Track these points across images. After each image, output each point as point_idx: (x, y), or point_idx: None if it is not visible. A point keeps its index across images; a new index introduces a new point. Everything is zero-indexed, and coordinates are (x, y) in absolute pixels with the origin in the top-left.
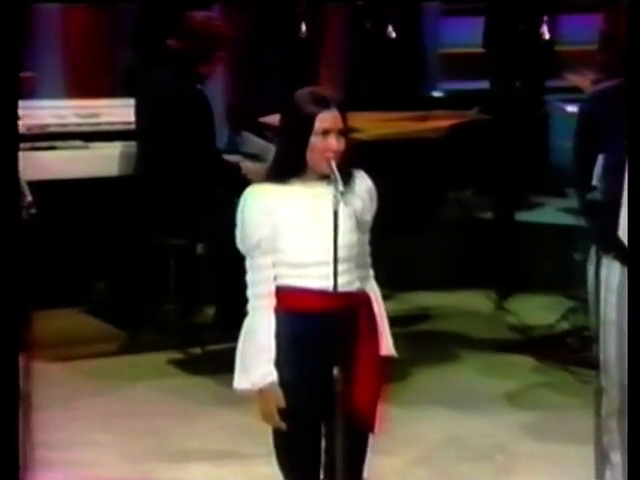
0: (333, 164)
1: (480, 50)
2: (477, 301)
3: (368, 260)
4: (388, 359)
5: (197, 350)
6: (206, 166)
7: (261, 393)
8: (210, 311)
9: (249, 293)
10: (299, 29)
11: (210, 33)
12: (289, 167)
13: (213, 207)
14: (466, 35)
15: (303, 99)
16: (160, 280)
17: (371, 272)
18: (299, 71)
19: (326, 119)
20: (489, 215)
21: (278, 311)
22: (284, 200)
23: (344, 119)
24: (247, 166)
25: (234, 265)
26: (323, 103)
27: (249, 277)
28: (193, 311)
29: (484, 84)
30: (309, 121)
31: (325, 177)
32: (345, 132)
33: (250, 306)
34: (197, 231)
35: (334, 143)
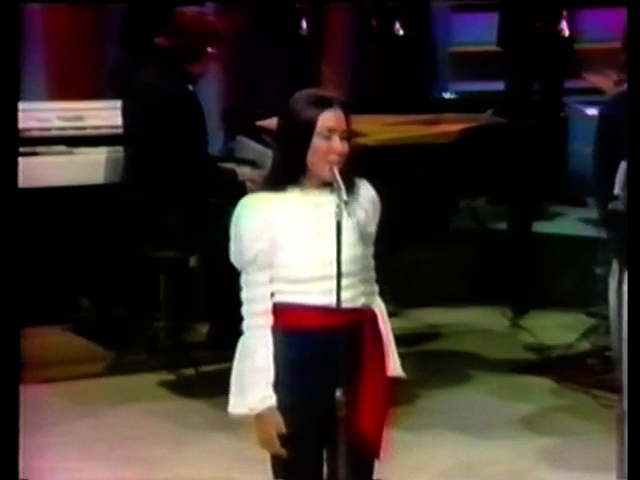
0: (336, 171)
1: (494, 48)
2: (491, 318)
3: (373, 275)
4: (394, 380)
5: (189, 371)
6: (199, 173)
7: (259, 418)
8: (203, 329)
9: (244, 311)
10: (299, 26)
11: (201, 29)
12: (288, 173)
13: (207, 217)
14: (479, 32)
15: (303, 99)
16: (149, 295)
17: (376, 287)
18: (299, 71)
19: (329, 118)
20: (504, 226)
21: (276, 330)
22: (283, 210)
23: (348, 121)
24: (243, 173)
25: (229, 279)
26: (326, 103)
27: (244, 294)
28: (185, 329)
29: (499, 85)
30: (311, 121)
31: (327, 184)
32: (349, 136)
33: (245, 325)
34: (189, 243)
35: (338, 145)
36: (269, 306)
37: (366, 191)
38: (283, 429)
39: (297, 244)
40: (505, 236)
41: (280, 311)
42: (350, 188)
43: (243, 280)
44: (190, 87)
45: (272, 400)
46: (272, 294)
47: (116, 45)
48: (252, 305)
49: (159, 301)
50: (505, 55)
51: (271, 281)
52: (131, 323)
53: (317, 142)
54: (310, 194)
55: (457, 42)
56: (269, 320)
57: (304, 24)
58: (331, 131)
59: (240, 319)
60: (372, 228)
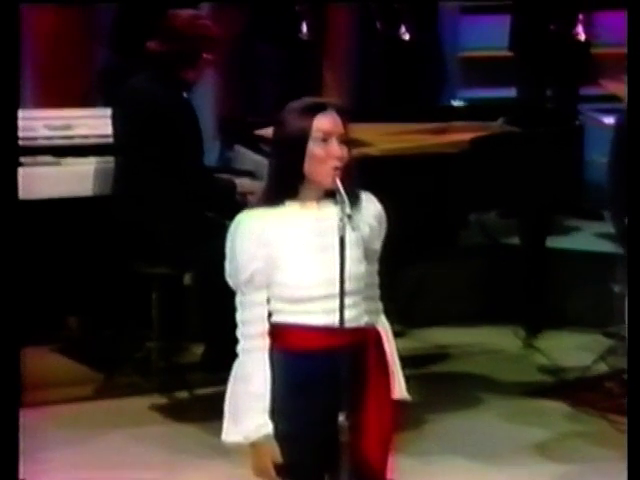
0: (339, 182)
1: (506, 53)
2: (502, 338)
3: (377, 292)
4: (400, 403)
5: (183, 394)
6: (194, 185)
7: (254, 447)
8: (198, 350)
9: (239, 333)
10: (299, 29)
11: (196, 33)
12: (286, 185)
13: (202, 232)
14: (490, 36)
15: (296, 106)
16: (141, 314)
17: (380, 305)
18: (299, 77)
19: (324, 121)
20: (516, 241)
21: (274, 351)
22: (281, 226)
23: (345, 125)
24: (243, 185)
25: (226, 298)
26: (319, 107)
27: (239, 315)
28: (179, 350)
29: (510, 92)
30: (304, 126)
31: (328, 196)
32: (348, 141)
33: (240, 348)
34: (184, 259)
35: (336, 149)
36: (266, 328)
37: (371, 205)
38: (279, 459)
39: (297, 262)
40: (517, 251)
41: (279, 331)
42: (354, 201)
43: (238, 301)
44: (185, 94)
45: (268, 428)
46: (270, 314)
47: (106, 49)
48: (248, 327)
49: (151, 320)
50: (517, 60)
51: (268, 301)
52: (121, 343)
53: (313, 148)
54: (310, 207)
55: (466, 46)
56: (266, 343)
57: (304, 27)
58: (327, 135)
59: (236, 338)
60: (377, 244)
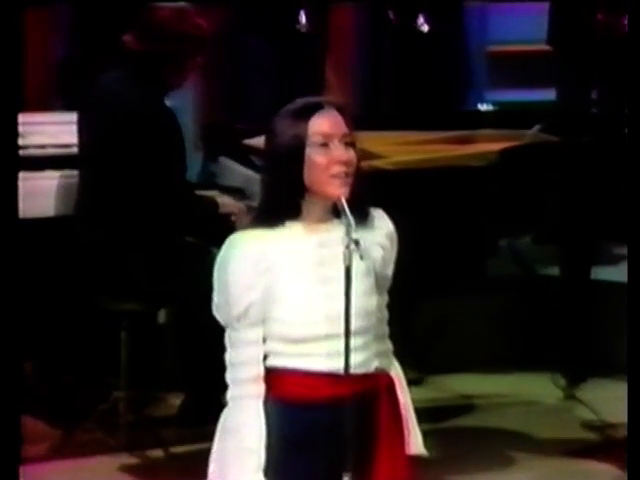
0: (344, 202)
1: (544, 47)
2: (539, 388)
3: (386, 329)
4: (416, 461)
5: (157, 452)
6: (173, 205)
7: None
8: (175, 400)
9: (229, 378)
10: (297, 20)
11: (183, 33)
12: (284, 203)
13: (182, 259)
14: (524, 27)
15: (289, 109)
16: (107, 358)
17: (390, 345)
18: (296, 77)
19: (322, 122)
20: (555, 271)
21: (269, 401)
22: (282, 250)
23: (349, 124)
24: (225, 204)
25: (209, 338)
26: (315, 106)
27: (229, 356)
28: (152, 400)
29: (548, 94)
30: (299, 131)
31: (334, 214)
32: (353, 142)
33: (230, 395)
34: (159, 292)
35: (340, 152)
36: (261, 371)
37: (382, 223)
38: None
39: (297, 294)
40: (556, 284)
41: (274, 377)
42: (362, 221)
43: (229, 339)
44: (165, 99)
45: None
46: (265, 356)
47: (70, 44)
48: (239, 370)
49: (119, 365)
50: (557, 56)
51: (264, 340)
52: (83, 393)
53: (312, 154)
54: (313, 229)
55: (496, 40)
56: (261, 389)
57: (302, 17)
58: (327, 137)
59: (222, 387)
60: (389, 270)
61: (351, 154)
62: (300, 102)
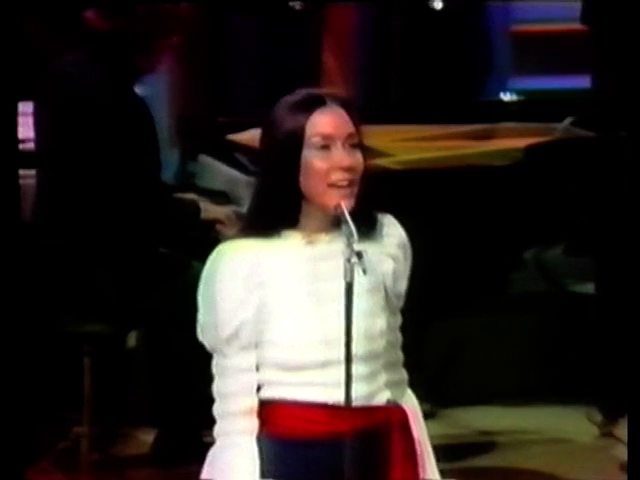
0: (345, 208)
1: (576, 26)
2: (571, 423)
3: (400, 356)
4: None
5: None
6: (144, 209)
7: None
8: (146, 437)
9: (217, 411)
10: None
11: (156, 7)
12: (276, 210)
13: (156, 274)
14: (553, 5)
15: (287, 102)
16: (68, 388)
17: (405, 374)
18: (289, 62)
19: (323, 121)
20: (590, 288)
21: (262, 437)
22: (273, 264)
23: (355, 122)
24: (207, 210)
25: (187, 365)
26: (316, 101)
27: (217, 387)
28: (118, 437)
29: (582, 81)
30: (295, 129)
31: (336, 221)
32: (360, 142)
33: (219, 431)
34: (128, 312)
35: (342, 157)
36: (254, 403)
37: (393, 231)
38: None
39: (292, 314)
40: (590, 302)
41: (268, 410)
42: (369, 230)
43: (216, 366)
44: (135, 87)
45: None
46: (258, 387)
47: (20, 20)
48: (230, 402)
49: (81, 397)
50: (592, 36)
51: (257, 368)
52: (40, 429)
53: (310, 157)
54: (312, 239)
55: (521, 18)
56: (254, 423)
57: None
58: (328, 139)
59: (200, 422)
60: (401, 285)
61: (356, 158)
62: (300, 94)
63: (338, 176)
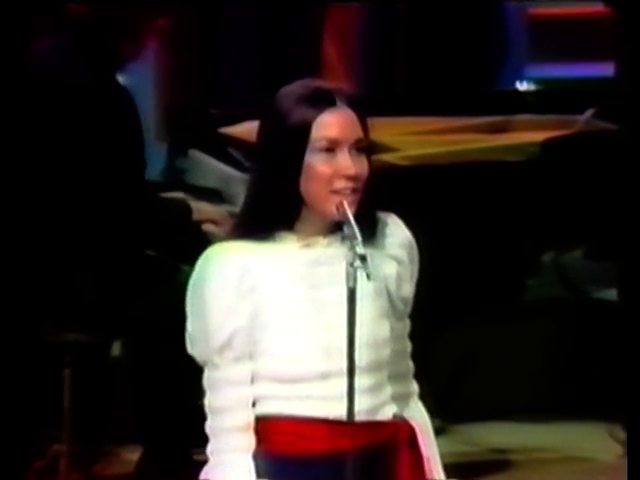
0: (347, 209)
1: (600, 7)
2: (591, 441)
3: (409, 367)
4: None
5: None
6: (129, 209)
7: None
8: (130, 455)
9: (210, 428)
10: None
11: None
12: (274, 212)
13: (141, 279)
14: None
15: (291, 96)
16: (46, 403)
17: (415, 387)
18: (286, 48)
19: (331, 123)
20: (612, 294)
21: (258, 455)
22: (268, 268)
23: (364, 125)
24: (200, 210)
25: (174, 378)
26: (325, 99)
27: (209, 401)
28: (100, 455)
29: (605, 69)
30: (301, 129)
31: (336, 227)
32: (367, 147)
33: (212, 449)
34: (112, 320)
35: (348, 163)
36: (250, 418)
37: (397, 231)
38: None
39: (288, 323)
40: (613, 310)
41: (264, 426)
42: (371, 230)
43: (207, 380)
44: (118, 75)
45: None
46: (253, 402)
47: None
48: (223, 418)
49: (61, 411)
50: (615, 20)
51: (252, 380)
52: (17, 445)
53: (313, 161)
54: (310, 242)
55: (538, 0)
56: (250, 440)
57: None
58: (334, 143)
59: (192, 439)
60: (408, 289)
61: (362, 165)
62: (307, 87)
63: (342, 184)
